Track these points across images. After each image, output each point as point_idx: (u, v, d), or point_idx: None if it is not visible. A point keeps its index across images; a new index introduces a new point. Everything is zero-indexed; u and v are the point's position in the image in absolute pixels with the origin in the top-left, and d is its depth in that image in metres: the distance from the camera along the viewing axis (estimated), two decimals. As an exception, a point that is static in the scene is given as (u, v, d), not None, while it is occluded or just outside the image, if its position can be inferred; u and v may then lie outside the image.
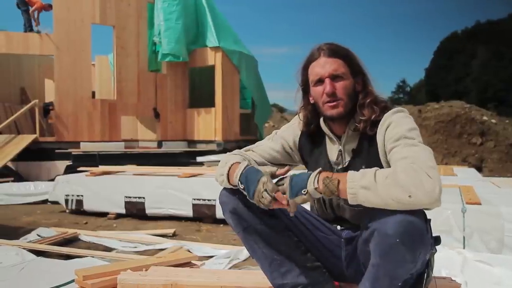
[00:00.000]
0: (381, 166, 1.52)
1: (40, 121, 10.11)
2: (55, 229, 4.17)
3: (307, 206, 1.69)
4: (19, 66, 12.44)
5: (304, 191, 1.39)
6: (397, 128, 1.48)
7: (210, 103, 11.92)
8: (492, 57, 40.46)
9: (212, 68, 11.87)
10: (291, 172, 1.50)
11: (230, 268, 2.97)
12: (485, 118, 14.72)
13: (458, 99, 18.15)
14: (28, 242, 3.64)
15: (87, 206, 5.25)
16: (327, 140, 1.69)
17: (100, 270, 2.10)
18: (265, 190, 1.42)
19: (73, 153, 9.25)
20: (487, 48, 41.14)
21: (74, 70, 10.15)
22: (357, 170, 1.51)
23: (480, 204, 3.29)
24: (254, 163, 1.68)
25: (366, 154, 1.58)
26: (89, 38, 10.40)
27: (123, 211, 5.06)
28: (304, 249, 1.67)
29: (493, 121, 14.70)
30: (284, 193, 1.42)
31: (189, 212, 4.76)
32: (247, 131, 12.94)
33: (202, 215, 4.72)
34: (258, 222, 1.58)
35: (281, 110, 26.14)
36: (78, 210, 5.28)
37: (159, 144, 11.56)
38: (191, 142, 12.06)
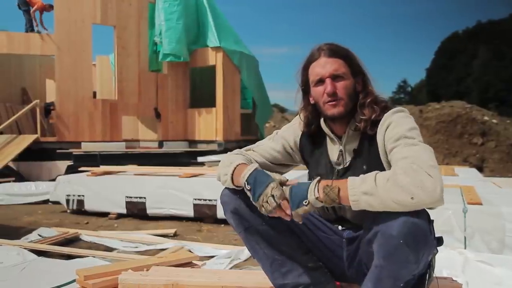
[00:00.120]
0: (381, 166, 1.52)
1: (41, 121, 10.12)
2: (56, 229, 4.17)
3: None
4: (20, 66, 12.46)
5: (306, 202, 1.39)
6: (397, 128, 1.48)
7: (211, 103, 11.92)
8: (493, 57, 40.43)
9: (213, 68, 11.87)
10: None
11: (231, 268, 2.97)
12: (486, 118, 14.71)
13: (459, 99, 18.15)
14: (29, 242, 3.65)
15: (88, 206, 5.25)
16: (328, 140, 1.69)
17: (101, 270, 2.10)
18: (272, 195, 1.42)
19: (74, 153, 9.27)
20: (488, 48, 41.11)
21: (75, 70, 10.15)
22: (358, 170, 1.51)
23: (481, 204, 3.29)
24: (254, 163, 1.68)
25: (367, 154, 1.58)
26: (90, 38, 10.41)
27: (124, 211, 5.06)
28: (306, 249, 1.66)
29: (494, 121, 14.69)
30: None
31: (190, 212, 4.76)
32: (248, 131, 12.94)
33: (203, 215, 4.72)
34: (260, 223, 1.58)
35: (282, 110, 26.13)
36: (79, 210, 5.29)
37: (160, 144, 11.57)
38: (192, 142, 12.07)
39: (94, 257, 3.13)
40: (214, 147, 11.56)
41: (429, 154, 1.39)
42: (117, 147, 10.18)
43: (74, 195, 5.34)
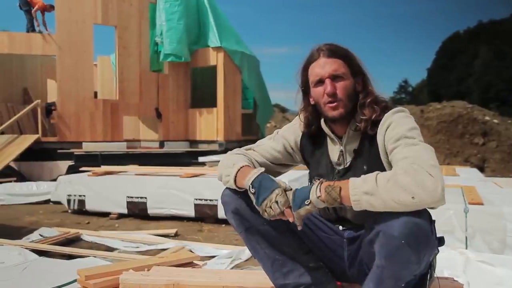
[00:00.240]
0: (382, 166, 1.52)
1: (42, 121, 10.14)
2: (57, 229, 4.18)
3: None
4: (21, 66, 12.48)
5: (307, 202, 1.39)
6: (397, 128, 1.48)
7: (212, 103, 11.92)
8: (494, 57, 40.37)
9: (214, 68, 11.88)
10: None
11: (232, 268, 2.97)
12: (487, 118, 14.70)
13: (460, 99, 18.15)
14: (30, 242, 3.65)
15: (89, 206, 5.26)
16: (328, 140, 1.69)
17: (102, 270, 2.10)
18: (276, 201, 1.42)
19: (75, 153, 9.28)
20: (489, 48, 41.06)
21: (76, 70, 10.17)
22: (359, 170, 1.51)
23: (482, 204, 3.29)
24: (255, 163, 1.69)
25: (367, 155, 1.58)
26: (91, 38, 10.42)
27: (125, 211, 5.07)
28: (307, 249, 1.66)
29: (495, 121, 14.68)
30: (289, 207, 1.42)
31: (191, 212, 4.77)
32: (249, 131, 12.94)
33: (204, 215, 4.72)
34: (261, 223, 1.58)
35: (283, 110, 26.12)
36: (80, 210, 5.30)
37: (161, 144, 11.58)
38: (193, 142, 12.07)
39: (95, 257, 3.13)
40: (215, 147, 11.56)
41: (429, 153, 1.39)
42: (118, 147, 10.19)
43: (75, 195, 5.34)
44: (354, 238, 1.62)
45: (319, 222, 1.69)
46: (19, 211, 5.57)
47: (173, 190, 4.89)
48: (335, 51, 1.57)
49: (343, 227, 1.67)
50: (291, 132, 1.77)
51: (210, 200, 4.66)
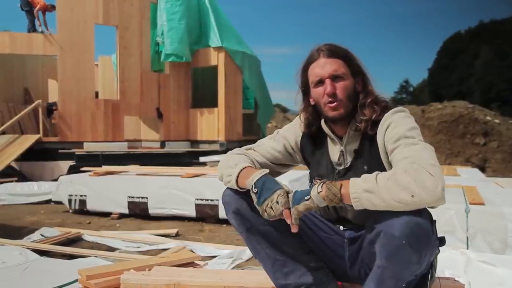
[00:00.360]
0: (382, 166, 1.52)
1: (43, 121, 10.15)
2: (58, 229, 4.18)
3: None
4: (23, 66, 12.49)
5: (307, 197, 1.39)
6: (397, 128, 1.48)
7: (213, 103, 11.93)
8: (495, 57, 40.32)
9: (215, 68, 11.88)
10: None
11: (233, 268, 2.97)
12: (488, 118, 14.68)
13: (461, 99, 18.14)
14: (31, 241, 3.66)
15: (90, 206, 5.26)
16: (329, 140, 1.69)
17: (104, 270, 2.11)
18: (277, 202, 1.42)
19: (76, 153, 9.30)
20: (491, 48, 41.01)
21: (77, 71, 10.18)
22: (359, 170, 1.51)
23: (483, 204, 3.29)
24: (256, 163, 1.69)
25: (368, 155, 1.58)
26: (92, 38, 10.43)
27: (126, 211, 5.07)
28: (307, 249, 1.66)
29: (497, 121, 14.66)
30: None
31: (192, 212, 4.77)
32: (250, 131, 12.95)
33: (205, 215, 4.72)
34: (261, 223, 1.58)
35: (284, 110, 26.14)
36: (81, 210, 5.30)
37: (162, 144, 11.58)
38: (194, 142, 12.08)
39: (96, 257, 3.13)
40: (216, 147, 11.57)
41: (429, 153, 1.39)
42: (119, 147, 10.19)
43: (76, 195, 5.35)
44: (355, 238, 1.62)
45: (319, 222, 1.69)
46: (20, 211, 5.58)
47: (174, 190, 4.89)
48: (335, 51, 1.57)
49: (343, 227, 1.67)
50: (291, 132, 1.77)
51: (211, 200, 4.67)
